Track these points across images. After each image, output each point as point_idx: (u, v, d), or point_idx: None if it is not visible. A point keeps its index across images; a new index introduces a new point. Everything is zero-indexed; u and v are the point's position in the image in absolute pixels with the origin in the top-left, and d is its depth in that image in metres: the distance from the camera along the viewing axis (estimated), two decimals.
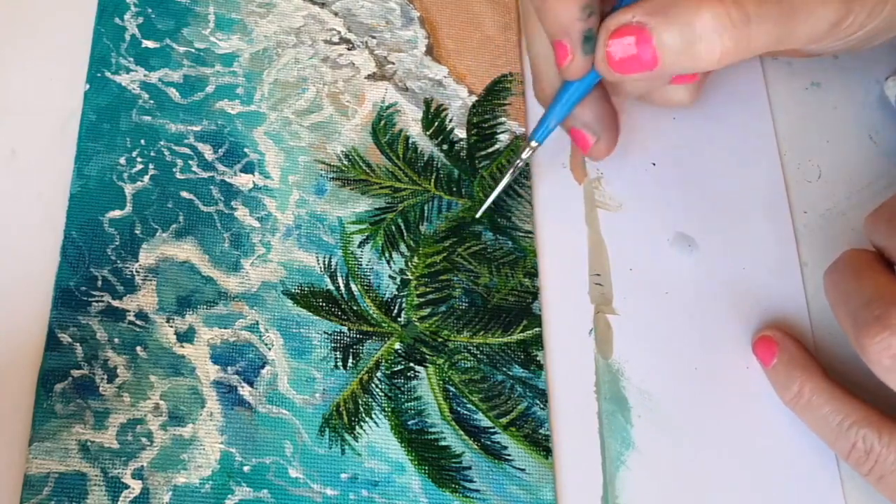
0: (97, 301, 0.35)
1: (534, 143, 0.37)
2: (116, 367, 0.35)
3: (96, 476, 0.33)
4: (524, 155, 0.38)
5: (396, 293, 0.38)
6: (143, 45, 0.40)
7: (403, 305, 0.37)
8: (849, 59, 0.45)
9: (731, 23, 0.31)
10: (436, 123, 0.41)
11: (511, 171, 0.38)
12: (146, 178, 0.38)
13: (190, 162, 0.38)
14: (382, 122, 0.41)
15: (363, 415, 0.35)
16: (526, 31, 0.38)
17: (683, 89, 0.39)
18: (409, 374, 0.36)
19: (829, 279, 0.35)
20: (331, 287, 0.37)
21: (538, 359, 0.37)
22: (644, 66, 0.33)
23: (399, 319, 0.37)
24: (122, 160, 0.38)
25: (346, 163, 0.40)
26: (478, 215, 0.39)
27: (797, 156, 0.43)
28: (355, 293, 0.37)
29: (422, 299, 0.38)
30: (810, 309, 0.40)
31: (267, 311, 0.36)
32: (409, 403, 0.36)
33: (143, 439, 0.34)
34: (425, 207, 0.39)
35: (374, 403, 0.36)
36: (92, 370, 0.34)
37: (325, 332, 0.36)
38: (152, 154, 0.38)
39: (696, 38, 0.32)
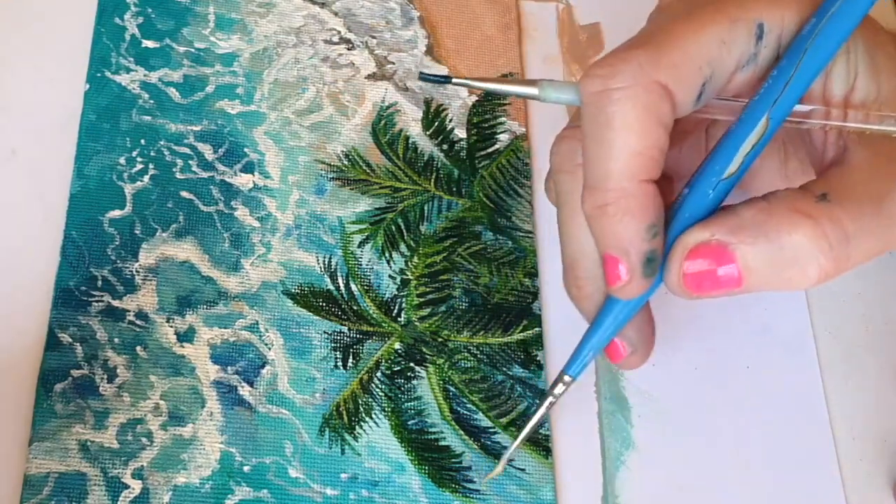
0: (97, 301, 0.35)
1: (567, 378, 0.32)
2: (116, 367, 0.35)
3: (96, 476, 0.33)
4: (557, 391, 0.32)
5: (396, 293, 0.38)
6: (143, 45, 0.40)
7: (403, 305, 0.37)
8: None
9: (828, 245, 0.27)
10: (436, 123, 0.41)
11: (543, 407, 0.33)
12: (146, 178, 0.38)
13: (190, 162, 0.38)
14: (382, 122, 0.41)
15: (363, 415, 0.35)
16: (561, 219, 0.32)
17: None
18: (409, 374, 0.36)
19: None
20: (331, 287, 0.37)
21: (538, 359, 0.37)
22: (725, 287, 0.29)
23: (399, 319, 0.37)
24: (122, 160, 0.38)
25: (346, 163, 0.40)
26: (512, 449, 0.34)
27: None
28: (355, 293, 0.37)
29: (422, 299, 0.38)
30: (810, 309, 0.40)
31: (267, 311, 0.36)
32: (409, 403, 0.36)
33: (143, 439, 0.34)
34: (425, 207, 0.39)
35: (374, 403, 0.36)
36: (92, 370, 0.34)
37: (325, 332, 0.36)
38: (152, 154, 0.38)
39: (788, 262, 0.28)
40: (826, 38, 0.28)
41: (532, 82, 0.30)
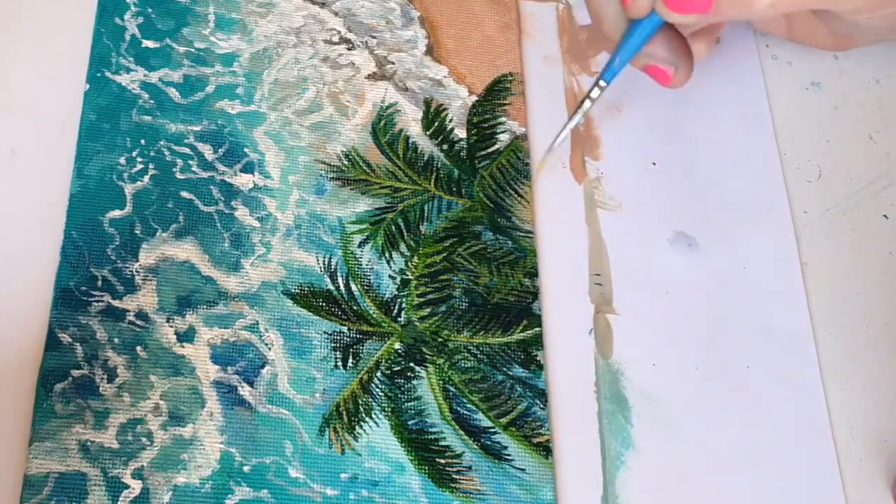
0: (97, 301, 0.35)
1: (602, 83, 0.38)
2: (116, 367, 0.35)
3: (96, 476, 0.33)
4: (593, 94, 0.38)
5: (396, 293, 0.38)
6: (143, 45, 0.40)
7: (403, 305, 0.37)
8: (849, 59, 0.45)
9: None
10: (436, 123, 0.41)
11: (579, 111, 0.38)
12: (146, 178, 0.38)
13: (190, 162, 0.38)
14: (382, 122, 0.41)
15: (363, 415, 0.35)
16: None
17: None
18: (409, 374, 0.36)
19: None
20: (331, 287, 0.37)
21: (538, 359, 0.37)
22: (698, 8, 0.35)
23: (399, 319, 0.37)
24: (122, 160, 0.38)
25: (346, 163, 0.40)
26: (548, 150, 0.40)
27: (797, 156, 0.43)
28: (355, 293, 0.37)
29: (422, 299, 0.38)
30: (810, 309, 0.40)
31: (267, 311, 0.36)
32: (409, 403, 0.36)
33: (143, 439, 0.34)
34: (425, 207, 0.39)
35: (374, 403, 0.36)
36: (92, 370, 0.34)
37: (325, 332, 0.36)
38: (152, 154, 0.38)
39: None
40: None
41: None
